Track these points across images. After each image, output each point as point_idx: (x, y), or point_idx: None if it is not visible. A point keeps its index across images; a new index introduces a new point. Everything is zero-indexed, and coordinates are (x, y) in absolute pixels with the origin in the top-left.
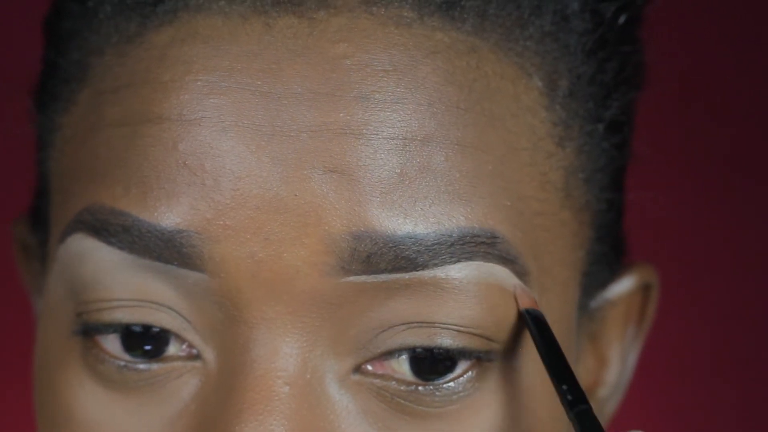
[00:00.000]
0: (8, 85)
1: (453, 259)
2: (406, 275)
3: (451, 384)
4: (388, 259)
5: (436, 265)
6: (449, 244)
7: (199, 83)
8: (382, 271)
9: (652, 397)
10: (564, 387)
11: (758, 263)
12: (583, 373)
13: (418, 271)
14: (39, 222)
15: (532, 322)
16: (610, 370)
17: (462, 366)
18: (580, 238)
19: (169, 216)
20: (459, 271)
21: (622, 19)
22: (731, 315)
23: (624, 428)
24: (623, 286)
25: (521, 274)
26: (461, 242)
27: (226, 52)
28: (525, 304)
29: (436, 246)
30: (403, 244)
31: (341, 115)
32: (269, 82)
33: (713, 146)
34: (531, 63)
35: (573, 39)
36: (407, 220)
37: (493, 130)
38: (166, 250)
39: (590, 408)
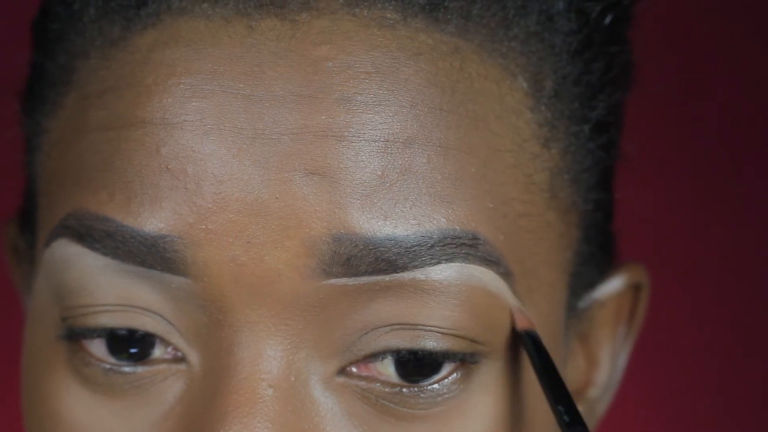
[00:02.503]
0: (1, 87)
1: (433, 261)
2: (387, 277)
3: (436, 386)
4: (368, 261)
5: (416, 266)
6: (429, 245)
7: (181, 86)
8: (363, 274)
9: (644, 397)
10: (560, 408)
11: (750, 262)
12: (573, 373)
13: (398, 273)
14: (27, 224)
15: (530, 343)
16: (601, 370)
17: (447, 368)
18: (566, 239)
19: (152, 221)
20: (439, 273)
21: (608, 19)
22: (723, 314)
23: (615, 429)
24: (613, 285)
25: (505, 275)
26: (441, 243)
27: (208, 55)
28: (522, 324)
29: (416, 248)
30: (383, 246)
31: (323, 117)
32: (251, 85)
33: (704, 145)
34: (516, 64)
35: (558, 39)
36: (387, 222)
37: (477, 132)
38: (150, 256)
39: (587, 429)
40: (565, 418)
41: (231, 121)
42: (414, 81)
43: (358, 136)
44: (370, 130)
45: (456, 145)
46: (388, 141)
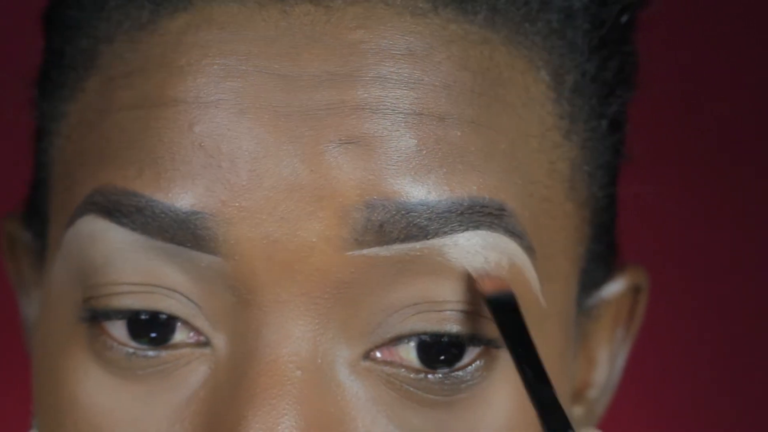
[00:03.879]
0: None
1: (462, 228)
2: (418, 244)
3: (460, 372)
4: (401, 227)
5: (446, 233)
6: (459, 212)
7: (215, 67)
8: (395, 241)
9: (643, 399)
10: (525, 368)
11: (750, 264)
12: (575, 372)
13: (429, 239)
14: (34, 214)
15: (493, 308)
16: (599, 371)
17: (470, 354)
18: (580, 234)
19: (184, 197)
20: (467, 240)
21: (624, 19)
22: (723, 317)
23: (613, 430)
24: (614, 287)
25: (528, 250)
26: (470, 211)
27: (243, 37)
28: (488, 288)
29: (446, 213)
30: (415, 211)
31: (358, 92)
32: (287, 66)
33: (705, 147)
34: (539, 57)
35: (578, 36)
36: (421, 188)
37: (506, 114)
38: (180, 232)
39: (554, 392)
40: (531, 380)
41: (267, 100)
42: (447, 64)
43: (393, 110)
44: (406, 104)
45: (487, 123)
46: (422, 115)
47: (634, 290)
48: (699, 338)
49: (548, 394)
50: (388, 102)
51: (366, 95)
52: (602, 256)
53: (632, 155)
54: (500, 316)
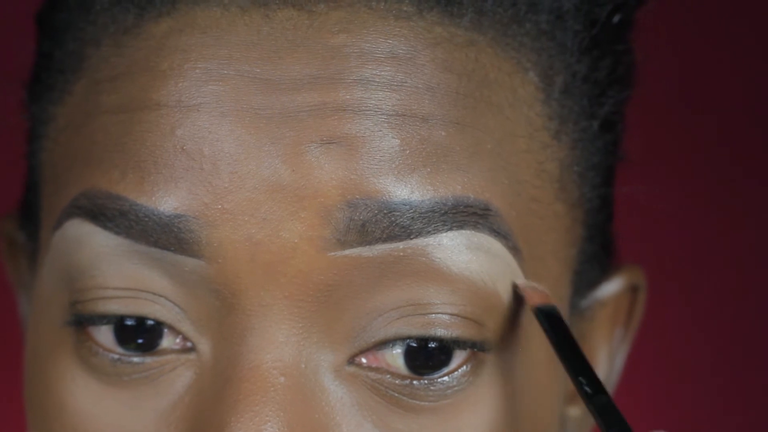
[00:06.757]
0: None
1: (445, 227)
2: (401, 244)
3: (446, 378)
4: (383, 227)
5: (429, 233)
6: (443, 212)
7: (197, 71)
8: (377, 240)
9: (642, 399)
10: (581, 379)
11: (749, 264)
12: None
13: (412, 239)
14: (28, 216)
15: (544, 319)
16: (598, 371)
17: (456, 360)
18: (572, 236)
19: (167, 200)
20: (451, 240)
21: (616, 19)
22: (722, 316)
23: None
24: (611, 287)
25: (513, 250)
26: (454, 210)
27: (225, 42)
28: (534, 300)
29: (430, 213)
30: (398, 211)
31: (341, 94)
32: (268, 70)
33: (703, 147)
34: (527, 59)
35: (568, 37)
36: (404, 188)
37: (492, 115)
38: (164, 235)
39: (609, 398)
40: (587, 389)
41: (248, 103)
42: (430, 67)
43: (376, 111)
44: (388, 105)
45: (472, 123)
46: (405, 116)
47: (632, 290)
48: (698, 338)
49: (605, 402)
50: (371, 103)
51: (348, 97)
52: (597, 257)
53: (629, 155)
54: (550, 327)
